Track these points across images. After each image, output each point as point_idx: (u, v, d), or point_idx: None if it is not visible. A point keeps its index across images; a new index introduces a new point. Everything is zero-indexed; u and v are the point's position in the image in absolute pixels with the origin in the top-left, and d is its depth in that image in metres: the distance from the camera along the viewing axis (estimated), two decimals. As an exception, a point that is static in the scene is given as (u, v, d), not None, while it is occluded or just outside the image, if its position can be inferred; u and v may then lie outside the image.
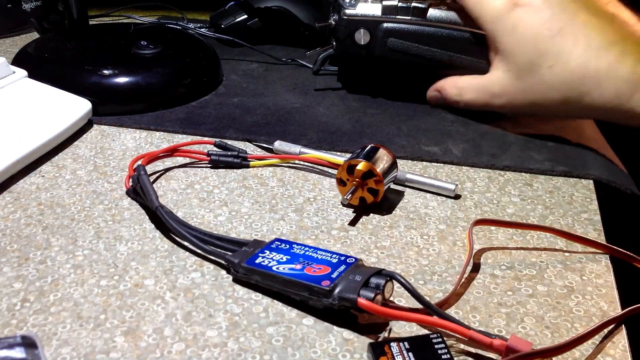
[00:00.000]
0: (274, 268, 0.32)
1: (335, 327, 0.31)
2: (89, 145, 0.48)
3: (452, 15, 0.52)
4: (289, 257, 0.33)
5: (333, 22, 0.55)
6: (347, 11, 0.54)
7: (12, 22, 0.76)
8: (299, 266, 0.32)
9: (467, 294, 0.34)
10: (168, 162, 0.46)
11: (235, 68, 0.64)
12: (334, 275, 0.31)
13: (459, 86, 0.52)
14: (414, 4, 0.52)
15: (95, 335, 0.30)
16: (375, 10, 0.53)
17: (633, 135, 0.45)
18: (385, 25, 0.53)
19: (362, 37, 0.53)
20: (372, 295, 0.30)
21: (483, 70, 0.51)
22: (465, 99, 0.51)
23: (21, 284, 0.33)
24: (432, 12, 0.52)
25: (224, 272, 0.35)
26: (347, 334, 0.31)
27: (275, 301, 0.33)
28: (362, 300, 0.29)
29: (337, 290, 0.30)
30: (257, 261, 0.33)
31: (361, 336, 0.30)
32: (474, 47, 0.52)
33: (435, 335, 0.28)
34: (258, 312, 0.32)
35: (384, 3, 0.53)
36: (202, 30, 0.71)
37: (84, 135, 0.50)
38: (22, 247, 0.36)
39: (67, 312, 0.31)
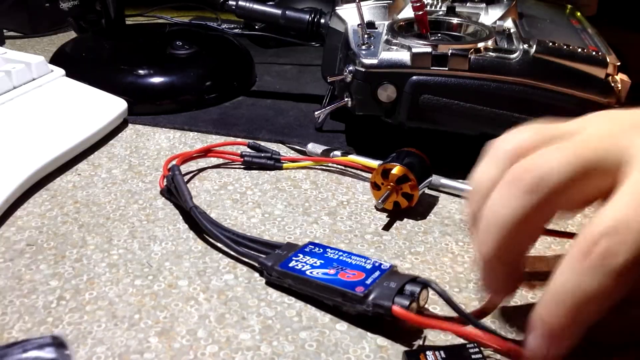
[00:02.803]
0: (307, 272, 0.32)
1: (369, 334, 0.31)
2: (124, 145, 0.49)
3: (500, 63, 0.41)
4: (322, 262, 0.33)
5: (349, 75, 0.43)
6: (366, 61, 0.42)
7: (50, 21, 0.78)
8: (332, 271, 0.32)
9: (504, 303, 0.33)
10: (202, 163, 0.46)
11: (268, 69, 0.64)
12: (368, 282, 0.31)
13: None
14: (451, 51, 0.41)
15: (130, 335, 0.30)
16: (402, 59, 0.42)
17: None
18: (416, 78, 0.42)
19: (386, 93, 0.42)
20: (406, 302, 0.29)
21: None
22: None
23: (57, 281, 0.34)
24: (475, 61, 0.41)
25: (256, 274, 0.35)
26: (381, 340, 0.30)
27: (309, 305, 0.32)
28: (396, 308, 0.29)
29: (371, 297, 0.30)
30: (290, 265, 0.33)
31: (395, 343, 0.30)
32: (528, 101, 0.41)
33: (471, 345, 0.28)
34: (291, 316, 0.32)
35: (414, 50, 0.41)
36: (236, 30, 0.71)
37: (120, 135, 0.50)
38: (59, 245, 0.37)
39: (102, 311, 0.32)
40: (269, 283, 0.34)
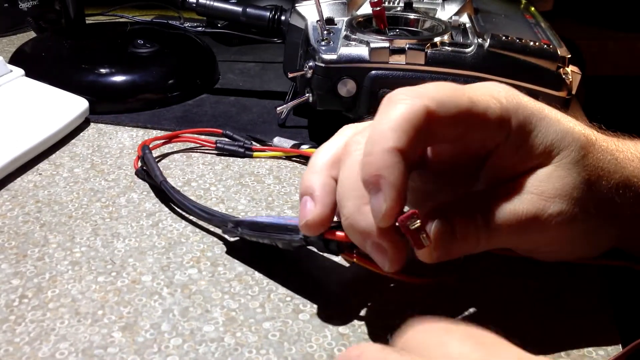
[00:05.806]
0: (258, 220, 0.34)
1: (331, 322, 0.31)
2: (86, 144, 0.49)
3: (456, 57, 0.42)
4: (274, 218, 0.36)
5: (309, 71, 0.44)
6: (326, 57, 0.43)
7: (9, 21, 0.76)
8: (281, 220, 0.34)
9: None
10: (166, 160, 0.46)
11: (231, 67, 0.65)
12: None
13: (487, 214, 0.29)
14: (408, 46, 0.42)
15: (93, 330, 0.30)
16: (361, 54, 0.43)
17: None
18: (375, 73, 0.42)
19: (346, 88, 0.43)
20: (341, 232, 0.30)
21: None
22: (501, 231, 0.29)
23: (19, 280, 0.34)
24: (432, 55, 0.42)
25: (220, 268, 0.35)
26: (342, 329, 0.31)
27: (272, 296, 0.33)
28: (329, 233, 0.30)
29: None
30: (247, 219, 0.35)
31: (357, 331, 0.31)
32: None
33: None
34: (254, 307, 0.32)
35: (372, 45, 0.42)
36: (199, 29, 0.71)
37: (81, 134, 0.50)
38: (20, 244, 0.36)
39: (65, 308, 0.32)
40: (229, 252, 0.36)
